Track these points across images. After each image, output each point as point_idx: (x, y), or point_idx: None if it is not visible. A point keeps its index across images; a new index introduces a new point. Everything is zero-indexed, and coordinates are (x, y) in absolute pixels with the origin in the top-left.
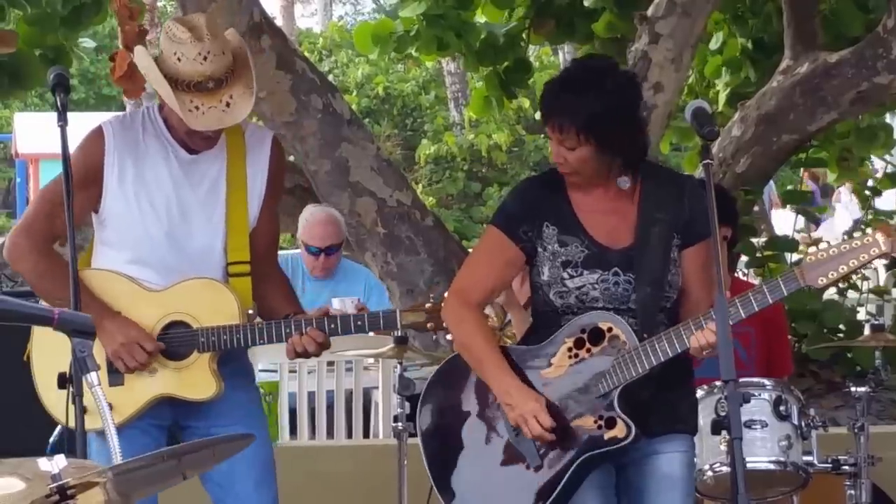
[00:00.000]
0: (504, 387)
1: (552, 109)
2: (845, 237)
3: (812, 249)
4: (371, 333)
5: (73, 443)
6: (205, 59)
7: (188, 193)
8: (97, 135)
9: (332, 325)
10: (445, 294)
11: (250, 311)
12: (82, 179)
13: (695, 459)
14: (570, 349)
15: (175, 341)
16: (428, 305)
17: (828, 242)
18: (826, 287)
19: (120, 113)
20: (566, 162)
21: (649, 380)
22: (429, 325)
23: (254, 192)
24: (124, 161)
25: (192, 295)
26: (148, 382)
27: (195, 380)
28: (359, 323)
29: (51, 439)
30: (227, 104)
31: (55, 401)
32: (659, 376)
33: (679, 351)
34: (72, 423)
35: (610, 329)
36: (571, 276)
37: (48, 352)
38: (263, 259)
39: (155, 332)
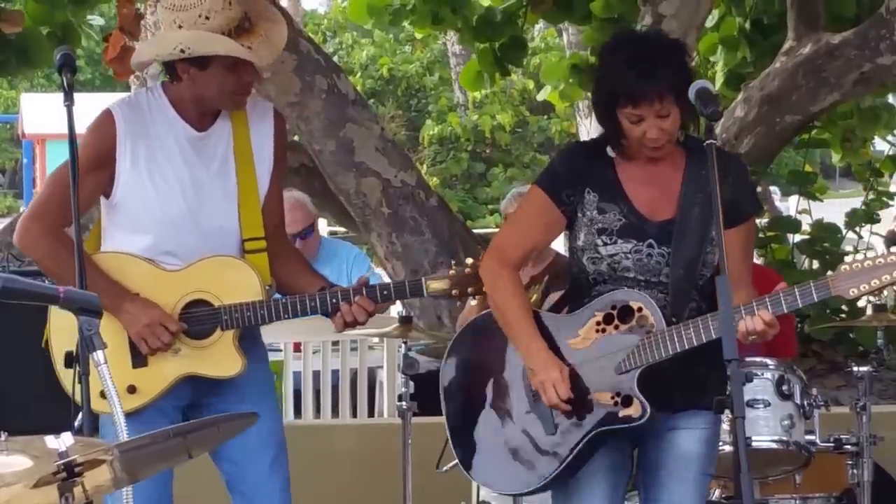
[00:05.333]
0: (530, 351)
1: (650, 86)
2: (886, 251)
3: (848, 259)
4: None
5: (92, 425)
6: (230, 3)
7: (200, 171)
8: (107, 119)
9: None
10: (467, 261)
11: (268, 287)
12: (93, 163)
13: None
14: (598, 323)
15: (196, 320)
16: (451, 273)
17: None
18: (857, 298)
19: (125, 94)
20: (663, 131)
21: (676, 354)
22: (453, 292)
23: (262, 166)
24: (136, 144)
25: (212, 273)
26: (172, 362)
27: (219, 357)
28: (385, 292)
29: (76, 423)
30: (266, 36)
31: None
32: (689, 350)
33: (704, 341)
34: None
35: (640, 309)
36: (605, 244)
37: (65, 333)
38: (275, 236)
39: (175, 311)
